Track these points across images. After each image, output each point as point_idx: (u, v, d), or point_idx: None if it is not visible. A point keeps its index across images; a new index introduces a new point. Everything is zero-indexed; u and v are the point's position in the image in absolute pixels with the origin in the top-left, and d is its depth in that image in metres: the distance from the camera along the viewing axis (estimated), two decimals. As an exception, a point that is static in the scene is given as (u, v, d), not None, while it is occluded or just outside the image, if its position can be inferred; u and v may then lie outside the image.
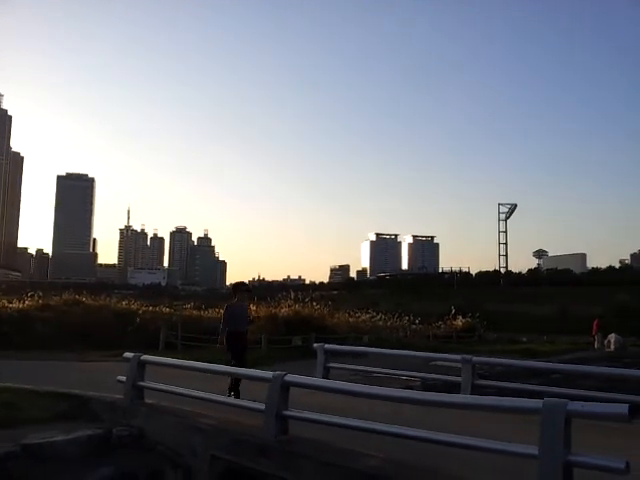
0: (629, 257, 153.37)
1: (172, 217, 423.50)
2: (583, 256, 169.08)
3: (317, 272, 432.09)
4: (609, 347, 25.79)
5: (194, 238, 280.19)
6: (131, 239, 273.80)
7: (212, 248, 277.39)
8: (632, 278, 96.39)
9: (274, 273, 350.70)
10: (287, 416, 6.12)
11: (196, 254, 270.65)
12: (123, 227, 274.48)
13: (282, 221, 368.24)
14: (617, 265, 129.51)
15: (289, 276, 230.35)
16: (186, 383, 7.93)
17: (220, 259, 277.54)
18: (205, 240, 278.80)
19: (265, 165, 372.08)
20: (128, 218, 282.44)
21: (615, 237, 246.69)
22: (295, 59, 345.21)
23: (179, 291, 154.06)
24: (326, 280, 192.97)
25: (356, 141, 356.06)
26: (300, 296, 25.68)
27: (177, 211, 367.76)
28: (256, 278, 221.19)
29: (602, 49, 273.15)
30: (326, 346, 12.67)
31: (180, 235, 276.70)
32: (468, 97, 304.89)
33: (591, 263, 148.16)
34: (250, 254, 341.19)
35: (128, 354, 8.41)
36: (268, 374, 6.50)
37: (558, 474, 4.12)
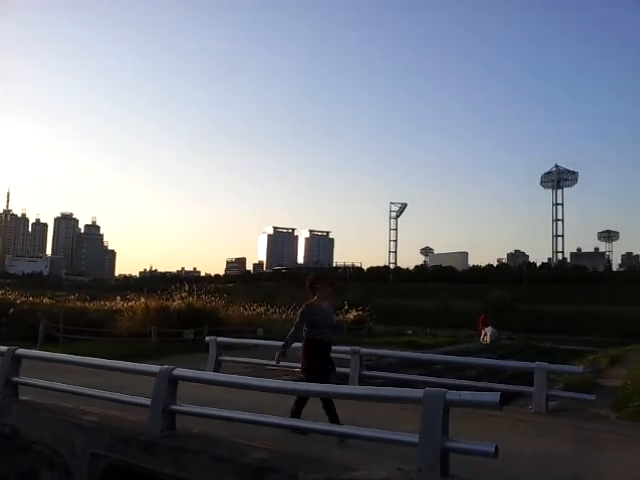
0: (506, 256, 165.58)
1: (57, 203, 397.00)
2: (465, 255, 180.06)
3: (213, 264, 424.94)
4: (486, 340, 27.70)
5: (81, 225, 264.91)
6: (11, 225, 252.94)
7: (101, 236, 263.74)
8: (508, 276, 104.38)
9: (167, 264, 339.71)
10: (175, 411, 5.99)
11: (83, 242, 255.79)
12: (2, 211, 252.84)
13: (177, 212, 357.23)
14: (495, 264, 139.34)
15: (183, 268, 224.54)
16: (71, 379, 7.51)
17: (109, 248, 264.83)
18: (93, 228, 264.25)
19: (159, 153, 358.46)
20: (7, 201, 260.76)
21: (494, 238, 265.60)
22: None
23: (63, 281, 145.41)
24: (222, 273, 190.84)
25: (256, 133, 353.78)
26: (194, 288, 25.12)
27: (63, 196, 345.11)
28: (148, 269, 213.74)
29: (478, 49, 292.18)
30: (218, 339, 12.56)
31: (66, 222, 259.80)
32: (366, 96, 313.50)
33: (472, 261, 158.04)
34: (142, 244, 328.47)
35: (1, 347, 7.83)
36: (155, 368, 6.32)
37: (436, 460, 4.38)
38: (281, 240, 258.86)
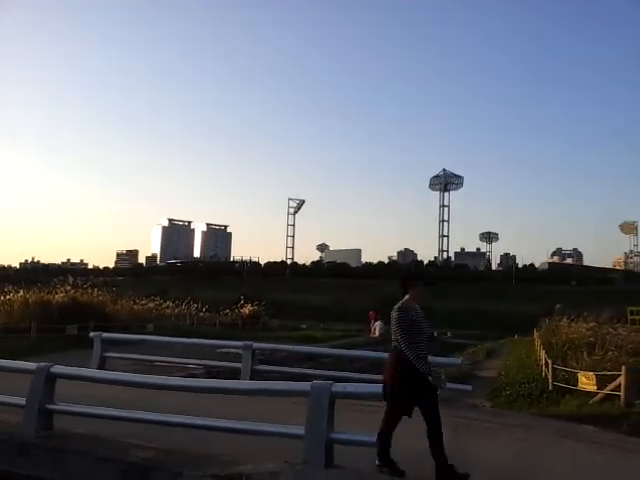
0: (396, 254, 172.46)
1: None
2: (359, 252, 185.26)
3: (102, 256, 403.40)
4: (374, 334, 28.72)
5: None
6: None
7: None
8: (397, 273, 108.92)
9: (52, 256, 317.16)
10: (52, 410, 5.67)
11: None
12: None
13: (63, 200, 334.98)
14: (386, 261, 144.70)
15: (69, 259, 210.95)
16: None
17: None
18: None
19: (47, 139, 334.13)
20: None
21: (386, 236, 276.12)
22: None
23: None
24: (112, 265, 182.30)
25: (152, 120, 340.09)
26: (80, 281, 23.83)
27: None
28: (29, 260, 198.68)
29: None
30: (104, 335, 12.05)
31: None
32: (265, 91, 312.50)
33: (365, 258, 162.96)
34: (23, 233, 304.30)
35: None
36: (32, 365, 5.94)
37: (321, 451, 4.51)
38: (176, 233, 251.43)
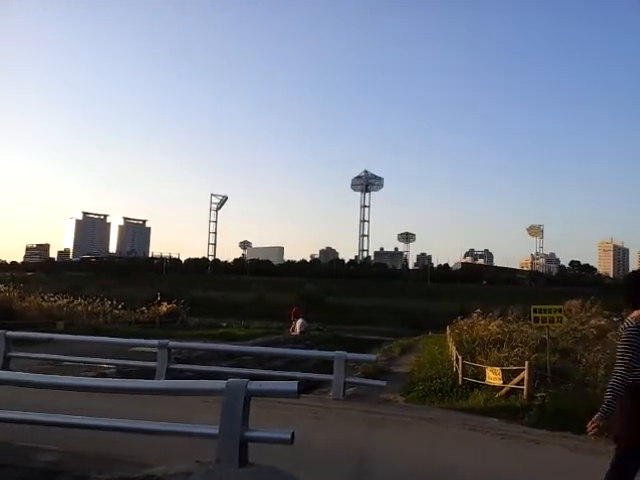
0: (318, 253, 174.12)
1: None
2: (281, 249, 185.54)
3: (10, 250, 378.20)
4: (295, 331, 28.86)
5: None
6: None
7: None
8: (319, 271, 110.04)
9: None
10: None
11: None
12: None
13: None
14: (308, 259, 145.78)
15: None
16: None
17: None
18: None
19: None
20: None
21: (308, 235, 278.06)
22: None
23: None
24: (20, 260, 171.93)
25: (63, 109, 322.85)
26: (-18, 276, 22.36)
27: None
28: None
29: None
30: (8, 333, 11.41)
31: None
32: (191, 87, 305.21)
33: (288, 256, 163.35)
34: None
35: None
36: None
37: (235, 450, 4.46)
38: (91, 227, 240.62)
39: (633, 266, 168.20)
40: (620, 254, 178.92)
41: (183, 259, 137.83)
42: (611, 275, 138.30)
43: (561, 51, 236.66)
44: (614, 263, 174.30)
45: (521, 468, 6.28)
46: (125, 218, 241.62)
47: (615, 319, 17.71)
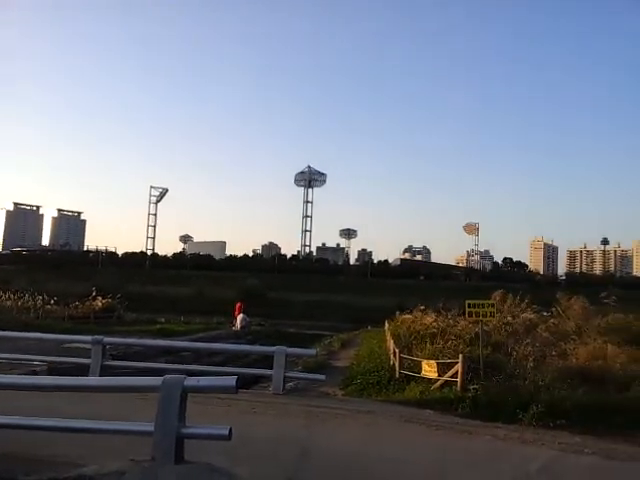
0: (260, 248, 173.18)
1: None
2: (223, 244, 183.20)
3: None
4: (236, 326, 28.71)
5: None
6: None
7: None
8: (261, 266, 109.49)
9: None
10: None
11: None
12: None
13: None
14: (251, 254, 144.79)
15: None
16: None
17: None
18: None
19: None
20: None
21: (251, 229, 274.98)
22: None
23: None
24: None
25: (5, 102, 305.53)
26: None
27: None
28: None
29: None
30: None
31: None
32: (126, 73, 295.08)
33: (230, 251, 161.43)
34: None
35: None
36: None
37: (170, 447, 4.40)
38: (23, 218, 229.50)
39: (562, 263, 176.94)
40: (550, 252, 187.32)
41: (120, 253, 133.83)
42: (541, 272, 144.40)
43: (485, 39, 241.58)
44: (544, 260, 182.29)
45: (453, 458, 6.51)
46: (59, 210, 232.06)
47: (545, 313, 18.62)
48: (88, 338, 10.54)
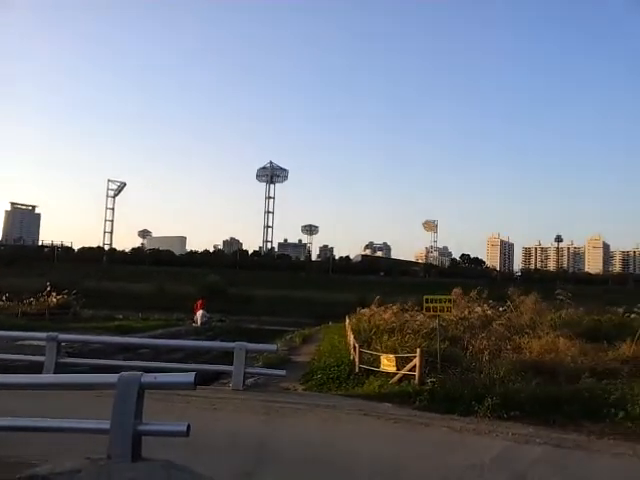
0: (222, 243, 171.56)
1: None
2: (184, 239, 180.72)
3: None
4: (196, 323, 28.42)
5: None
6: None
7: None
8: (222, 262, 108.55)
9: None
10: None
11: None
12: None
13: None
14: (212, 249, 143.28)
15: None
16: None
17: None
18: None
19: None
20: None
21: (212, 225, 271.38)
22: None
23: None
24: None
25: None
26: None
27: None
28: None
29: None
30: None
31: None
32: (83, 64, 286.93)
33: (190, 246, 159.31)
34: None
35: None
36: None
37: (127, 445, 4.35)
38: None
39: (517, 260, 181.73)
40: (506, 248, 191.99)
41: (76, 248, 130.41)
42: (498, 268, 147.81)
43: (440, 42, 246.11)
44: (500, 257, 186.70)
45: (409, 449, 6.65)
46: (12, 203, 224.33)
47: (500, 309, 19.10)
48: (42, 335, 10.28)
